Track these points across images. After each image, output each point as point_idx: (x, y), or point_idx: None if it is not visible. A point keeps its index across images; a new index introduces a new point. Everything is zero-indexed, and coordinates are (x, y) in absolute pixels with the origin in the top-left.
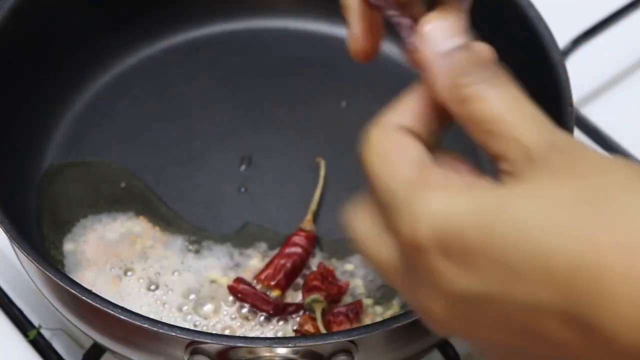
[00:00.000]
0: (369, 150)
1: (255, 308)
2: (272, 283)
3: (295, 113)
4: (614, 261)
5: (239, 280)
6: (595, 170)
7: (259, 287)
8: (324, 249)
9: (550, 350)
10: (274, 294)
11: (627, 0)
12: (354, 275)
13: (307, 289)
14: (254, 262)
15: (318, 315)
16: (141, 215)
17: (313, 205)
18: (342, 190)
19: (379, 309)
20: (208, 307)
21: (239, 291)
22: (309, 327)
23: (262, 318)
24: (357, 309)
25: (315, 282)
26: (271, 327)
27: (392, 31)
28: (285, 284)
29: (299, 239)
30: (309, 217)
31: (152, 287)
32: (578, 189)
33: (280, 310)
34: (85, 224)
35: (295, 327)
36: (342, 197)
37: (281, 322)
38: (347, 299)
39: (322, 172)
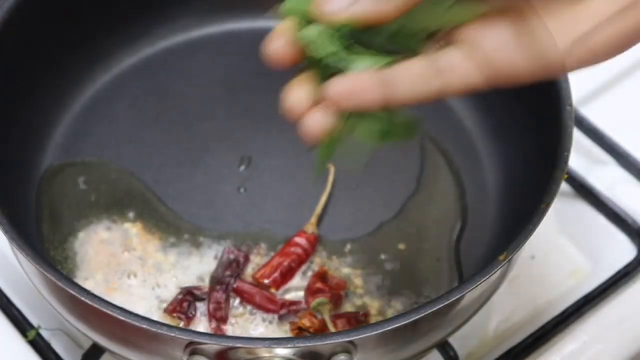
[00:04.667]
0: None
1: (261, 308)
2: (267, 281)
3: None
4: None
5: (243, 280)
6: None
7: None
8: (323, 248)
9: None
10: (270, 290)
11: None
12: (353, 275)
13: (311, 292)
14: (252, 262)
15: (326, 317)
16: (141, 216)
17: (318, 209)
18: (343, 191)
19: (377, 304)
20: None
21: (245, 292)
22: (306, 321)
23: (265, 317)
24: (361, 317)
25: (319, 285)
26: (274, 325)
27: None
28: (281, 282)
29: (300, 240)
30: (313, 220)
31: (152, 287)
32: None
33: (286, 310)
34: (84, 225)
35: (293, 320)
36: (343, 197)
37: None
38: (347, 304)
39: (331, 178)
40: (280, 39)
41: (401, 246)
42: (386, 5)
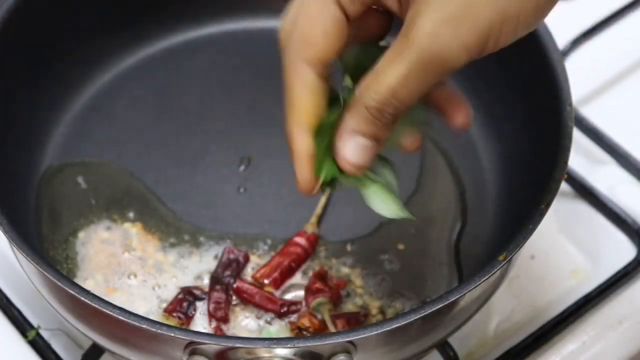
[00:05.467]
0: None
1: (260, 308)
2: (267, 281)
3: None
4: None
5: (243, 280)
6: None
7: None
8: (323, 248)
9: None
10: (268, 289)
11: (627, 1)
12: (353, 275)
13: (311, 292)
14: (252, 262)
15: (327, 317)
16: (141, 216)
17: (318, 209)
18: (343, 191)
19: (377, 304)
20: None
21: (244, 291)
22: (305, 321)
23: (264, 317)
24: (361, 317)
25: (318, 285)
26: (274, 325)
27: (389, 32)
28: (281, 282)
29: (300, 239)
30: (313, 220)
31: (152, 287)
32: None
33: (286, 309)
34: (84, 225)
35: (292, 320)
36: (343, 198)
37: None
38: (347, 304)
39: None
40: (307, 171)
41: (401, 246)
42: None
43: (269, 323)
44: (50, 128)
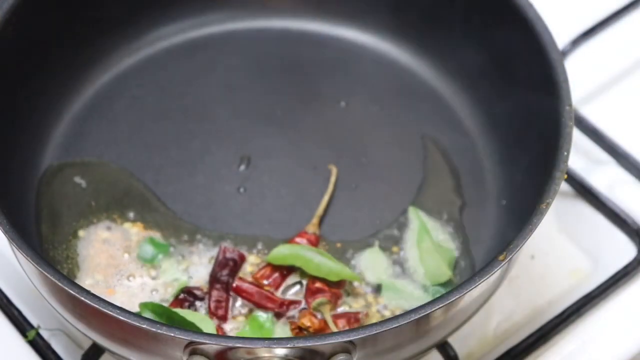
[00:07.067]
0: None
1: (260, 307)
2: (267, 282)
3: (294, 113)
4: None
5: (242, 279)
6: None
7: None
8: (324, 249)
9: None
10: (268, 289)
11: (627, 1)
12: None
13: (311, 292)
14: (251, 262)
15: (327, 316)
16: (141, 216)
17: (320, 210)
18: (342, 191)
19: (376, 301)
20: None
21: (244, 290)
22: (306, 321)
23: (264, 316)
24: (360, 318)
25: (318, 285)
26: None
27: (389, 32)
28: (281, 282)
29: (301, 240)
30: (315, 220)
31: (151, 287)
32: None
33: (285, 308)
34: (84, 225)
35: (292, 319)
36: (343, 198)
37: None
38: (347, 304)
39: (333, 179)
40: None
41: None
42: None
43: (245, 317)
44: (50, 128)
